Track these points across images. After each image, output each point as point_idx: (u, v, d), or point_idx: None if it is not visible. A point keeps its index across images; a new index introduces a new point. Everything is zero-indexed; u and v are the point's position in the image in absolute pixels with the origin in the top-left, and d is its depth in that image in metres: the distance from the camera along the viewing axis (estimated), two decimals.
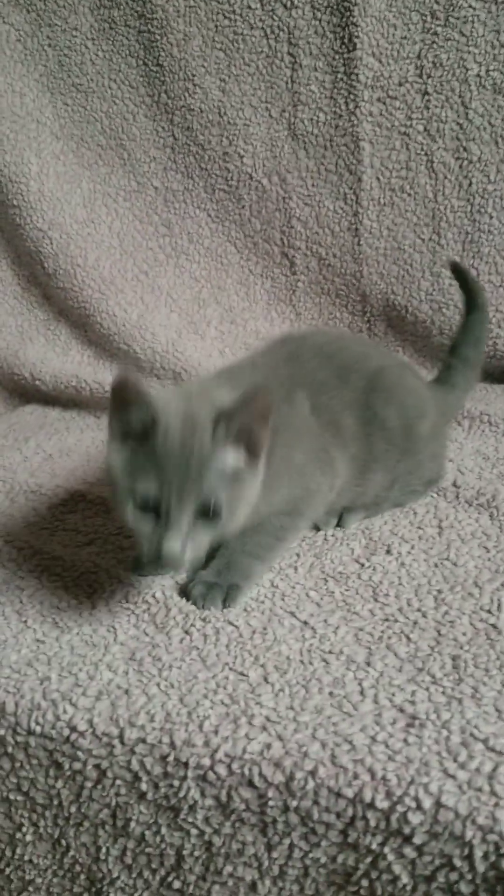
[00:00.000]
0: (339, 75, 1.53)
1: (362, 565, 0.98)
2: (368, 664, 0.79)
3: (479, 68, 1.48)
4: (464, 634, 0.83)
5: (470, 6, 1.46)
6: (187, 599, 0.92)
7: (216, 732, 0.72)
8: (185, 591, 0.93)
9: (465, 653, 0.80)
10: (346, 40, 1.50)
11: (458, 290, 1.54)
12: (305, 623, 0.87)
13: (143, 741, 0.73)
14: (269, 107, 1.58)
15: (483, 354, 1.33)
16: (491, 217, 1.52)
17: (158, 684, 0.78)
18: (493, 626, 0.84)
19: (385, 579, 0.94)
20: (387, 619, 0.87)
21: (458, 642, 0.82)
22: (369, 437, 1.06)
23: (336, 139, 1.56)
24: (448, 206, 1.54)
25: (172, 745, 0.72)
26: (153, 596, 0.92)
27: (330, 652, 0.82)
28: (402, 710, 0.73)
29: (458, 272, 1.34)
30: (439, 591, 0.91)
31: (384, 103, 1.52)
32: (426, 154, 1.53)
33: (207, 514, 0.82)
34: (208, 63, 1.57)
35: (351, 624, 0.86)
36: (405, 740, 0.69)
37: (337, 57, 1.52)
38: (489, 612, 0.87)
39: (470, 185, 1.52)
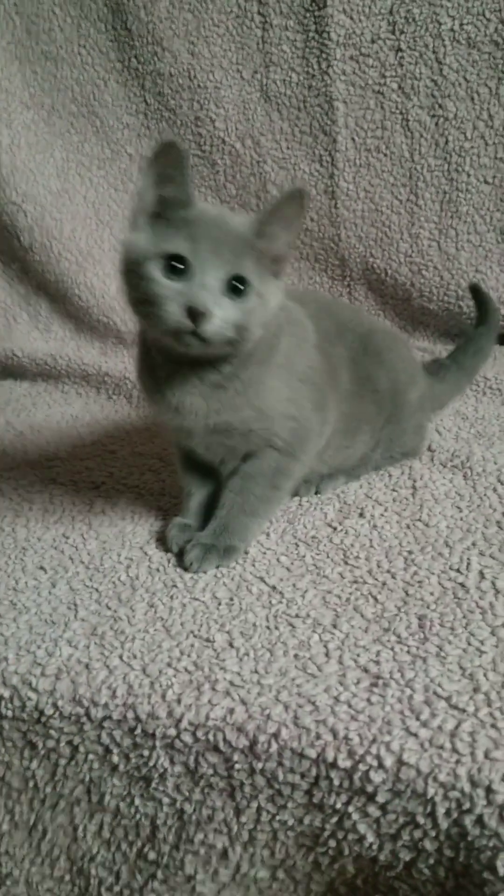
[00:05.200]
0: (311, 34, 1.49)
1: (334, 529, 0.97)
2: (335, 626, 0.79)
3: (452, 22, 1.44)
4: (431, 594, 0.83)
5: None
6: (180, 563, 0.92)
7: (179, 701, 0.71)
8: (179, 555, 0.93)
9: (431, 612, 0.80)
10: None
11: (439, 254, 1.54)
12: (274, 588, 0.86)
13: (110, 717, 0.73)
14: (240, 69, 1.55)
15: (480, 365, 1.38)
16: (468, 175, 1.50)
17: (121, 656, 0.77)
18: (462, 585, 0.84)
19: (356, 542, 0.94)
20: (355, 582, 0.86)
21: (425, 602, 0.82)
22: (360, 396, 1.05)
23: (309, 100, 1.53)
24: (425, 166, 1.51)
25: (137, 718, 0.72)
26: (119, 579, 0.91)
27: (297, 616, 0.81)
28: (366, 671, 0.73)
29: (476, 291, 1.44)
30: (409, 552, 0.91)
31: (357, 61, 1.49)
32: (401, 112, 1.50)
33: (236, 289, 0.79)
34: (176, 25, 1.54)
35: (319, 587, 0.86)
36: (368, 700, 0.69)
37: (308, 15, 1.48)
38: (458, 571, 0.86)
39: (446, 143, 1.49)
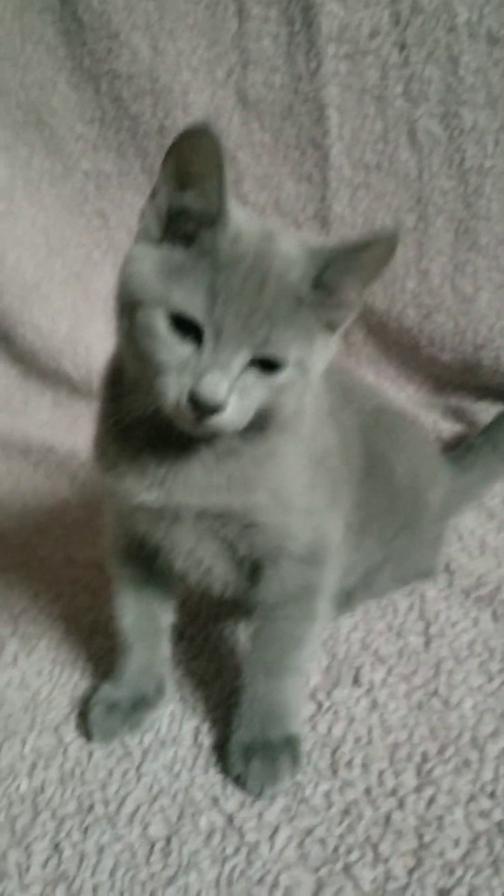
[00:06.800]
0: (297, 26, 1.23)
1: (319, 706, 0.72)
2: None
3: (469, 13, 1.18)
4: (456, 844, 0.58)
5: None
6: (239, 784, 0.64)
7: None
8: (237, 778, 0.64)
9: (457, 885, 0.54)
10: None
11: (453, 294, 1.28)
12: (230, 820, 0.61)
13: None
14: (212, 68, 1.28)
15: None
16: (490, 200, 1.23)
17: None
18: (499, 826, 0.58)
19: (350, 732, 0.68)
20: (347, 812, 0.61)
21: (449, 862, 0.56)
22: (372, 481, 0.77)
23: (296, 106, 1.27)
24: (436, 188, 1.25)
25: None
26: (17, 790, 0.65)
27: (260, 881, 0.56)
28: None
29: None
30: (424, 757, 0.65)
31: (353, 60, 1.22)
32: (407, 122, 1.23)
33: (269, 364, 0.56)
34: (135, 16, 1.27)
35: (297, 823, 0.61)
36: None
37: (292, 4, 1.22)
38: (492, 796, 0.61)
39: (462, 160, 1.23)
